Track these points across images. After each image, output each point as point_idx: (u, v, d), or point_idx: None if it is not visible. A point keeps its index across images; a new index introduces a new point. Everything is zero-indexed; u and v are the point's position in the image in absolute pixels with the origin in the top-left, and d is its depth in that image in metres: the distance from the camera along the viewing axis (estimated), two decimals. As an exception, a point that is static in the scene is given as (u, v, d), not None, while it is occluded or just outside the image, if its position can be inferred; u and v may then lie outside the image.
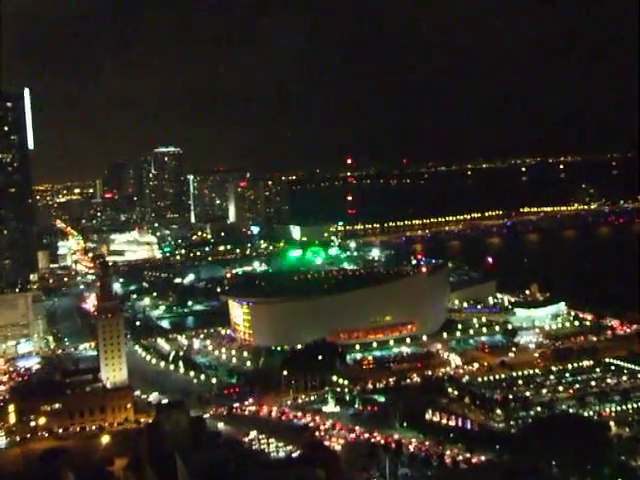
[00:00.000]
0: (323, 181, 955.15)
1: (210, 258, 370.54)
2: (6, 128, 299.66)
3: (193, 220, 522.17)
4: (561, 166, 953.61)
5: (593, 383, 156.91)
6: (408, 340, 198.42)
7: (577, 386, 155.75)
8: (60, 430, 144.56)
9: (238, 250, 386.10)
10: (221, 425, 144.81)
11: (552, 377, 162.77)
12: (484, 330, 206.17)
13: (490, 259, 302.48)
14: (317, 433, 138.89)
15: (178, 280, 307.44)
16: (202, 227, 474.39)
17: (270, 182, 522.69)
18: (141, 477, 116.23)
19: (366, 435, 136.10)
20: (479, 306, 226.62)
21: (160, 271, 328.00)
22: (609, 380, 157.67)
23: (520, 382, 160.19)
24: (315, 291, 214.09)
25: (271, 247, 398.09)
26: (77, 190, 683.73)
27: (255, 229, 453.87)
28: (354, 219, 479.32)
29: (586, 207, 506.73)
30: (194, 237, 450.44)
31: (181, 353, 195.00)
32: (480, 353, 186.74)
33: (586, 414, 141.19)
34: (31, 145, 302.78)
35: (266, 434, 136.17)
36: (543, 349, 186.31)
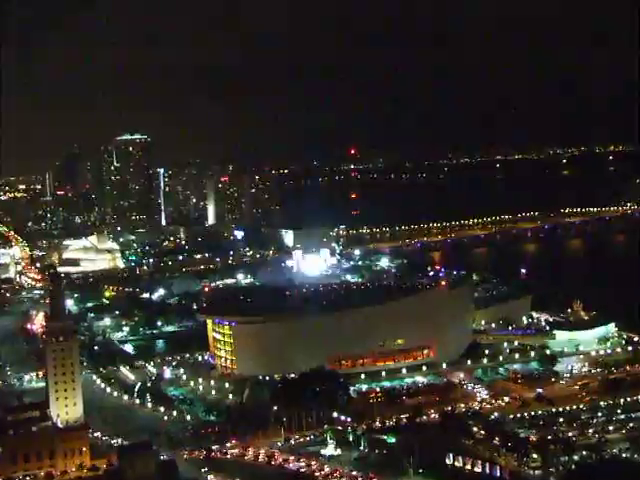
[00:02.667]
0: (322, 176, 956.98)
1: (184, 269, 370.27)
2: None
3: (164, 223, 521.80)
4: (610, 157, 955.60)
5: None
6: (424, 368, 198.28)
7: (631, 425, 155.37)
8: (0, 478, 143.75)
9: (218, 259, 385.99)
10: (197, 471, 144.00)
11: (600, 414, 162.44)
12: (516, 356, 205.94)
13: (524, 270, 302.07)
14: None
15: (145, 295, 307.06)
16: (175, 231, 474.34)
17: (257, 177, 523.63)
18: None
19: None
20: (510, 327, 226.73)
21: (124, 285, 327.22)
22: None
23: (561, 420, 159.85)
24: (312, 309, 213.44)
25: (258, 255, 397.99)
26: (22, 186, 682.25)
27: (239, 234, 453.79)
28: (359, 221, 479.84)
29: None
30: (165, 243, 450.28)
31: (149, 384, 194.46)
32: (512, 384, 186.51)
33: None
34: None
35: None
36: (589, 380, 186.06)
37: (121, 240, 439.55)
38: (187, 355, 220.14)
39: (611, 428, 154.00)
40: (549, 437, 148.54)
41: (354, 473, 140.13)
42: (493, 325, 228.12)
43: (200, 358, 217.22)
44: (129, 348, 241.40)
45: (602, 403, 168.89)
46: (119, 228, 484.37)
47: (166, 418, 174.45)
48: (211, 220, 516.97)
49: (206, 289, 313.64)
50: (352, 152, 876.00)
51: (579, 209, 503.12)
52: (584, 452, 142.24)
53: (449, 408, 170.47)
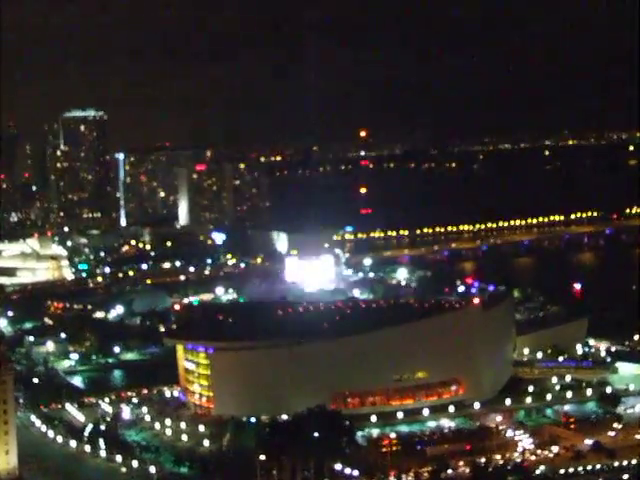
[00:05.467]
0: (323, 164, 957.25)
1: (149, 281, 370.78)
2: None
3: (124, 222, 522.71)
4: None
5: None
6: (451, 409, 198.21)
7: None
8: None
9: (192, 269, 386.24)
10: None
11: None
12: (569, 395, 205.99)
13: (578, 286, 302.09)
14: None
15: (99, 315, 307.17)
16: (137, 233, 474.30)
17: (242, 165, 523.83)
18: None
19: None
20: (561, 358, 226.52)
21: (72, 301, 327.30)
22: None
23: (625, 477, 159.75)
24: (310, 332, 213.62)
25: (243, 264, 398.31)
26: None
27: (219, 237, 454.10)
28: (370, 223, 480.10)
29: None
30: (125, 248, 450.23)
31: (103, 427, 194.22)
32: (562, 430, 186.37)
33: None
34: None
35: None
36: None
37: (69, 244, 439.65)
38: (155, 389, 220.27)
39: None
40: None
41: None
42: (539, 355, 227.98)
43: (168, 394, 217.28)
44: (78, 381, 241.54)
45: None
46: (67, 229, 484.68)
47: (124, 470, 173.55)
48: (183, 220, 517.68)
49: (176, 306, 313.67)
50: (363, 135, 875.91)
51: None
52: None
53: (483, 460, 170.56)
